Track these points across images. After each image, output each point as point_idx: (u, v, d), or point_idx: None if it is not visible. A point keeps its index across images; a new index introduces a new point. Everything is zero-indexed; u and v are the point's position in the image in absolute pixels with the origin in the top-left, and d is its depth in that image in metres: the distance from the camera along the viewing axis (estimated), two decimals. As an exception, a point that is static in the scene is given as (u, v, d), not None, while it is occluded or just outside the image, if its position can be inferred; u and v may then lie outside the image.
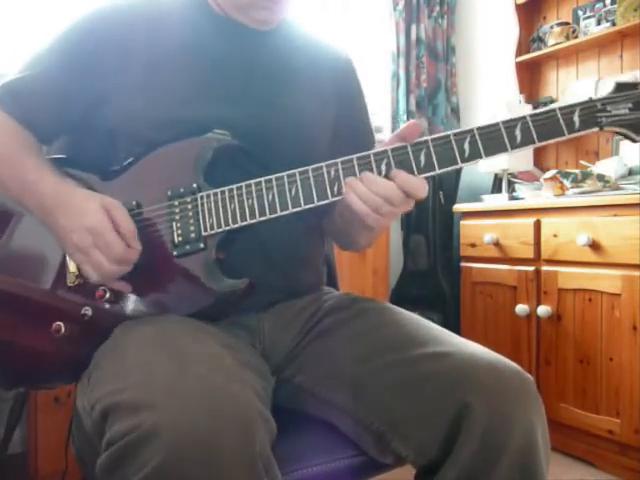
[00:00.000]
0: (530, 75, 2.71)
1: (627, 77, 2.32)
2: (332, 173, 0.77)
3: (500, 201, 2.23)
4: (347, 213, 0.85)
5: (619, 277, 1.74)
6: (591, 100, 0.74)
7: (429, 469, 0.74)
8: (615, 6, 2.32)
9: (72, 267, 0.83)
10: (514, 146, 0.74)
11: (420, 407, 0.75)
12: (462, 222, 2.28)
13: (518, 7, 2.65)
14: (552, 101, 2.63)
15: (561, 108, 0.73)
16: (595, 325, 1.82)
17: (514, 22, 2.67)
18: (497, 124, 0.74)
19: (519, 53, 2.66)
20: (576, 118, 0.73)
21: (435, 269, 2.55)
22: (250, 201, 0.78)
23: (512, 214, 2.08)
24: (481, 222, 2.18)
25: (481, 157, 0.74)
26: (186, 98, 0.86)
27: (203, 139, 0.82)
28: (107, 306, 0.82)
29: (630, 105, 0.73)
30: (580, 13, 2.50)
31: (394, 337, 0.83)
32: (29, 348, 0.84)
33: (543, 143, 0.74)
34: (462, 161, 0.75)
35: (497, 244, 2.11)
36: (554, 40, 2.50)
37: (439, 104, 2.95)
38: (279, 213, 0.78)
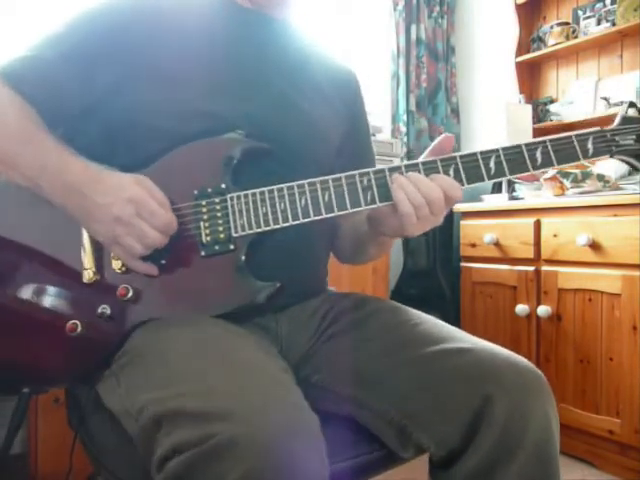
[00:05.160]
0: (530, 75, 2.71)
1: (630, 78, 2.32)
2: (365, 182, 0.80)
3: (500, 201, 2.23)
4: (379, 226, 0.86)
5: (619, 277, 1.74)
6: (602, 130, 0.81)
7: (447, 460, 0.77)
8: (615, 6, 2.32)
9: (88, 263, 0.80)
10: (535, 167, 0.80)
11: (442, 399, 0.77)
12: (462, 222, 2.28)
13: (518, 7, 2.66)
14: (552, 101, 2.63)
15: (577, 135, 0.81)
16: (595, 325, 1.82)
17: (514, 22, 2.67)
18: (520, 146, 0.80)
19: (519, 53, 2.66)
20: (590, 145, 0.81)
21: (435, 269, 2.55)
22: (282, 205, 0.79)
23: (512, 214, 2.08)
24: (481, 222, 2.18)
25: (505, 175, 0.80)
26: (205, 90, 0.84)
27: (230, 139, 0.82)
28: (127, 305, 0.79)
29: (634, 137, 0.81)
30: (580, 13, 2.50)
31: (412, 335, 0.85)
32: (43, 348, 0.81)
33: (562, 166, 0.81)
34: (488, 178, 0.80)
35: (497, 244, 2.11)
36: (554, 40, 2.50)
37: (439, 104, 2.95)
38: (312, 218, 0.79)
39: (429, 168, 0.80)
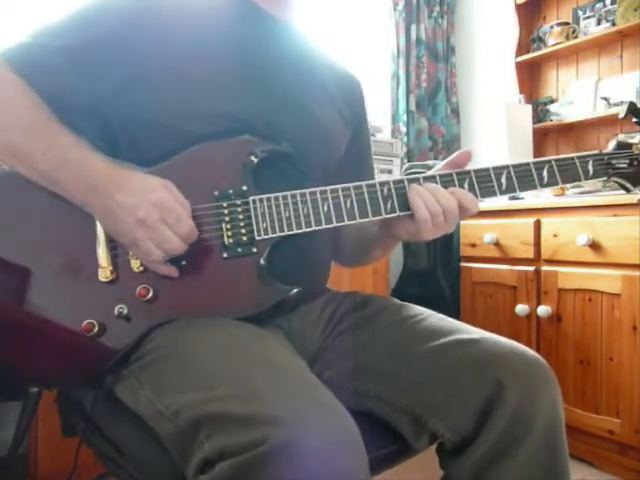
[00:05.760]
0: (530, 75, 2.71)
1: (630, 78, 2.32)
2: (385, 191, 0.83)
3: (500, 201, 2.22)
4: (392, 226, 0.88)
5: (619, 277, 1.74)
6: (600, 154, 0.89)
7: (460, 446, 0.79)
8: (615, 6, 2.32)
9: (104, 261, 0.78)
10: (542, 185, 0.86)
11: (455, 387, 0.80)
12: (462, 222, 2.27)
13: (518, 7, 2.66)
14: (552, 101, 2.63)
15: (579, 157, 0.88)
16: (595, 325, 1.82)
17: (514, 22, 2.67)
18: (528, 164, 0.86)
19: (519, 53, 2.66)
20: (590, 167, 0.88)
21: (435, 269, 2.55)
22: (305, 210, 0.81)
23: (512, 214, 2.08)
24: (481, 222, 2.18)
25: (515, 191, 0.86)
26: (223, 90, 0.84)
27: (249, 140, 0.82)
28: (146, 305, 0.77)
29: (627, 161, 0.89)
30: (580, 13, 2.50)
31: (420, 329, 0.87)
32: (58, 347, 0.78)
33: (566, 185, 0.89)
34: (500, 193, 0.86)
35: (497, 244, 2.11)
36: (554, 40, 2.50)
37: (439, 104, 2.95)
38: (334, 224, 0.82)
39: (446, 181, 0.84)
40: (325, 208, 0.81)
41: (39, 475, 1.56)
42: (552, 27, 2.52)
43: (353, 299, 0.98)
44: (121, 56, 0.81)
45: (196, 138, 0.81)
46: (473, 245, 2.21)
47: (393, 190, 0.83)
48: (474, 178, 0.85)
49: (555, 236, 1.91)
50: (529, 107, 2.57)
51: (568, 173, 0.87)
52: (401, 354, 0.85)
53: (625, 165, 0.88)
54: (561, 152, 2.57)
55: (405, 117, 2.83)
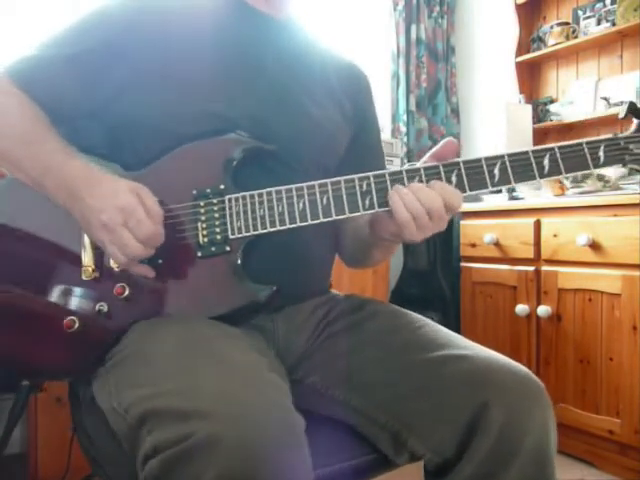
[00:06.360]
0: (530, 75, 2.71)
1: (630, 78, 2.32)
2: (364, 186, 0.78)
3: (500, 201, 2.23)
4: (379, 231, 0.85)
5: (619, 277, 1.74)
6: (615, 137, 0.77)
7: (442, 468, 0.76)
8: (615, 6, 2.32)
9: (87, 260, 0.81)
10: (542, 175, 0.77)
11: (437, 407, 0.76)
12: (462, 222, 2.28)
13: (518, 7, 2.66)
14: (552, 101, 2.63)
15: (588, 142, 0.77)
16: (595, 325, 1.82)
17: (514, 22, 2.67)
18: (527, 152, 0.77)
19: (519, 53, 2.66)
20: (601, 153, 0.77)
21: (435, 269, 2.55)
22: (280, 208, 0.78)
23: (512, 214, 2.08)
24: (481, 222, 2.18)
25: (510, 183, 0.77)
26: (211, 92, 0.84)
27: (232, 139, 0.82)
28: (124, 303, 0.80)
29: None
30: (580, 13, 2.50)
31: (409, 340, 0.84)
32: (41, 343, 0.82)
33: (570, 174, 0.77)
34: (492, 185, 0.77)
35: (497, 244, 2.11)
36: (554, 40, 2.50)
37: (439, 104, 2.95)
38: (309, 222, 0.78)
39: (431, 174, 0.78)
40: (300, 205, 0.78)
41: (39, 475, 1.56)
42: (552, 27, 2.52)
43: (349, 302, 0.96)
44: (117, 62, 0.83)
45: (183, 139, 0.82)
46: (473, 245, 2.21)
47: (373, 185, 0.78)
48: (463, 170, 0.77)
49: (555, 236, 1.91)
50: (529, 107, 2.57)
51: (574, 161, 0.77)
52: (386, 365, 0.82)
53: None
54: (561, 152, 2.57)
55: (405, 117, 2.83)
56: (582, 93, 2.48)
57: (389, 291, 2.58)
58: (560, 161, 0.77)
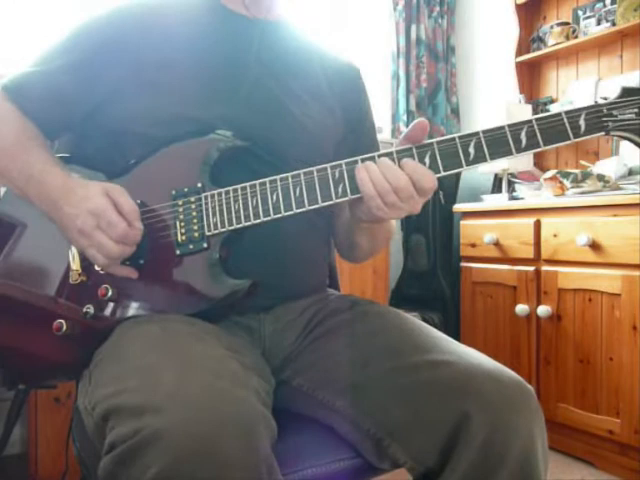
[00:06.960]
0: (530, 75, 2.71)
1: (630, 78, 2.32)
2: (337, 174, 0.77)
3: (500, 201, 2.23)
4: (354, 209, 0.83)
5: (619, 277, 1.74)
6: (597, 104, 0.73)
7: (427, 476, 0.74)
8: (615, 6, 2.32)
9: (75, 265, 0.84)
10: (519, 150, 0.74)
11: (419, 415, 0.74)
12: (462, 222, 2.28)
13: (518, 7, 2.66)
14: (552, 101, 2.63)
15: (567, 112, 0.73)
16: (595, 325, 1.82)
17: (514, 22, 2.67)
18: (503, 127, 0.74)
19: (519, 53, 2.66)
20: (582, 122, 0.73)
21: (435, 269, 2.55)
22: (254, 202, 0.78)
23: (512, 214, 2.08)
24: (481, 222, 2.18)
25: (486, 160, 0.74)
26: (190, 96, 0.86)
27: (209, 139, 0.83)
28: (109, 304, 0.81)
29: (636, 110, 0.73)
30: (580, 13, 2.50)
31: (395, 343, 0.82)
32: (30, 346, 0.84)
33: (549, 147, 0.74)
34: (467, 164, 0.75)
35: (497, 244, 2.11)
36: (554, 40, 2.50)
37: (439, 104, 2.95)
38: (283, 214, 0.78)
39: (403, 156, 0.75)
40: (274, 198, 0.78)
41: (38, 475, 1.56)
42: (552, 27, 2.52)
43: (340, 302, 0.94)
44: (109, 70, 0.86)
45: (163, 142, 0.84)
46: (473, 245, 2.21)
47: (345, 172, 0.76)
48: (437, 150, 0.75)
49: (555, 236, 1.91)
50: (529, 107, 2.57)
51: (552, 132, 0.73)
52: (370, 369, 0.80)
53: (633, 115, 0.72)
54: (561, 152, 2.57)
55: (405, 117, 2.82)
56: (582, 93, 2.48)
57: (389, 291, 2.58)
58: (538, 133, 0.73)
